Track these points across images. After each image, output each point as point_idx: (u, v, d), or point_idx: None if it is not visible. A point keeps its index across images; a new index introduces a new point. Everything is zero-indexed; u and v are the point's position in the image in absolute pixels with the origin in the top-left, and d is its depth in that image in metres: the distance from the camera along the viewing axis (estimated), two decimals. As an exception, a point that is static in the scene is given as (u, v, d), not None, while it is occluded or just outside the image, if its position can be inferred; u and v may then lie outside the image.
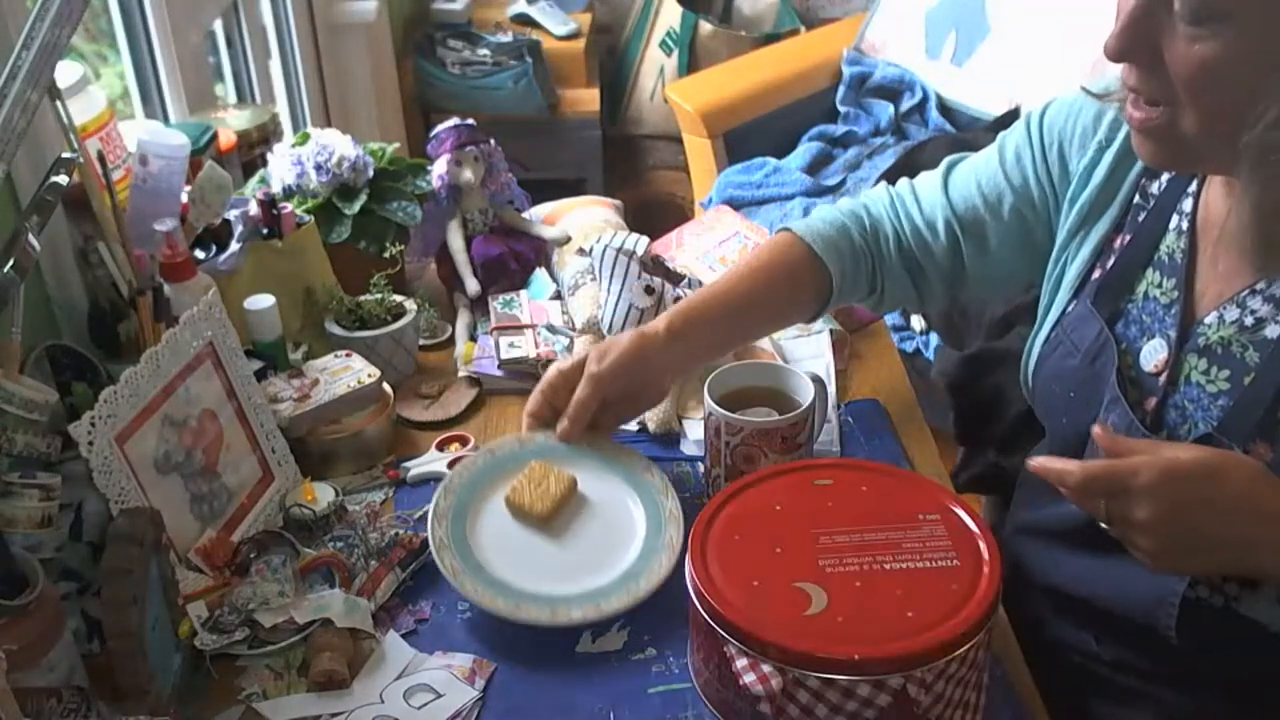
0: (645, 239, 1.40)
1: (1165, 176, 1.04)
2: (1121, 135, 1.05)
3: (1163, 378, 0.98)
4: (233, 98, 2.28)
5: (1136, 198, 1.06)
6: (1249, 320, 0.93)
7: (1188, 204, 1.01)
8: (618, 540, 1.08)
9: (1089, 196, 1.08)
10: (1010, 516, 1.20)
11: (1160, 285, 1.01)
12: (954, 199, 1.18)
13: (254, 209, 1.34)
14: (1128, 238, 1.05)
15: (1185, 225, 1.00)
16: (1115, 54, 0.87)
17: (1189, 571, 0.91)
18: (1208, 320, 0.96)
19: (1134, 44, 0.86)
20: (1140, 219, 1.04)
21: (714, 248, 1.60)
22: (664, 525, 1.08)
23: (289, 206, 1.36)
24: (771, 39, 3.34)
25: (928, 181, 1.22)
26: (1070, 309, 1.09)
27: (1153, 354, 1.00)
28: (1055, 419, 1.09)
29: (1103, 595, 1.03)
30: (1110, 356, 1.01)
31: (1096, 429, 0.88)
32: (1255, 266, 0.93)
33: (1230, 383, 0.93)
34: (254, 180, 1.51)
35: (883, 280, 1.21)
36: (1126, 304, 1.03)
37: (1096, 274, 1.07)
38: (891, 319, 2.34)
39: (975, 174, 1.17)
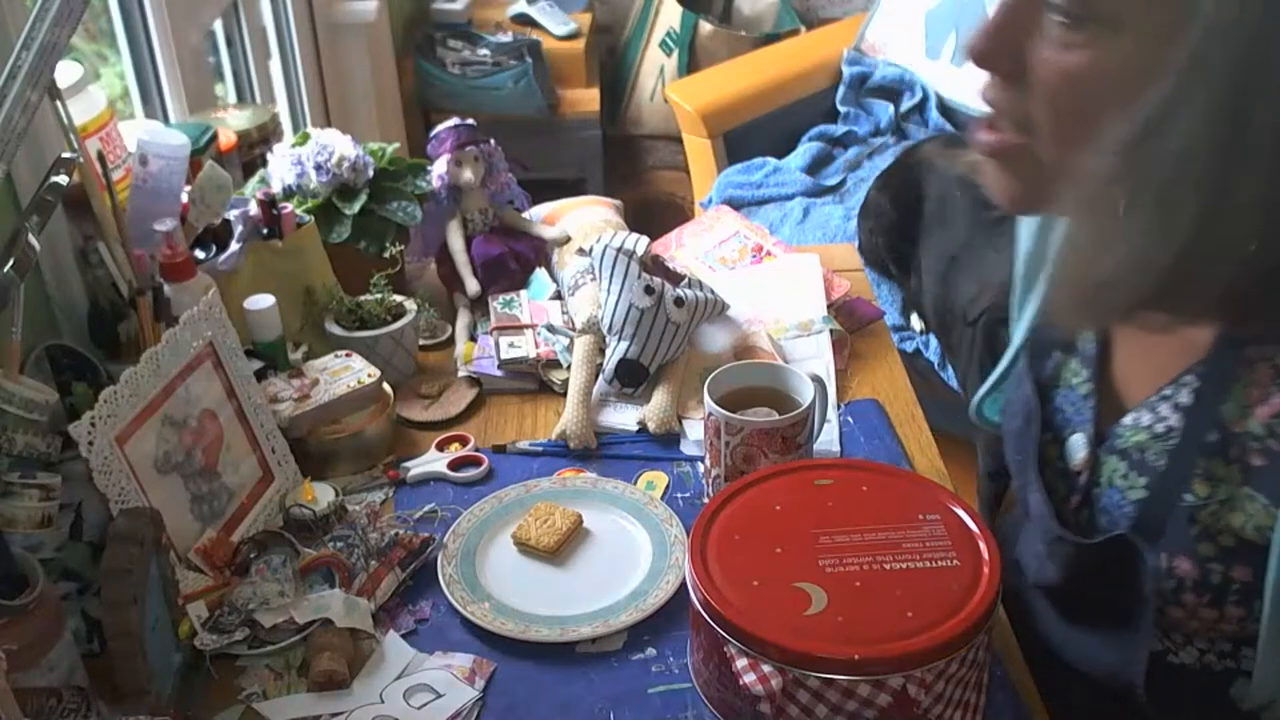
0: (645, 239, 1.40)
1: None
2: None
3: (1083, 477, 0.93)
4: (233, 98, 2.28)
5: None
6: (1160, 427, 0.87)
7: None
8: (624, 567, 1.08)
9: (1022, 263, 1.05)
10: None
11: (1078, 374, 0.97)
12: None
13: (254, 209, 1.34)
14: None
15: None
16: (978, 55, 0.78)
17: None
18: (1126, 421, 0.90)
19: (1000, 45, 0.77)
20: None
21: (714, 248, 1.60)
22: (669, 549, 1.09)
23: (289, 206, 1.36)
24: (771, 39, 3.34)
25: None
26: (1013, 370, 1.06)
27: (1075, 450, 0.94)
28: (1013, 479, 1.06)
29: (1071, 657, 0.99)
30: (1034, 428, 0.96)
31: None
32: (1054, 314, 0.86)
33: (1147, 490, 0.87)
34: (254, 180, 1.51)
35: None
36: (1054, 389, 0.99)
37: None
38: (891, 319, 2.34)
39: None
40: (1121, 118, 0.72)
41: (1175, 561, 0.84)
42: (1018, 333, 1.06)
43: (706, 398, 1.12)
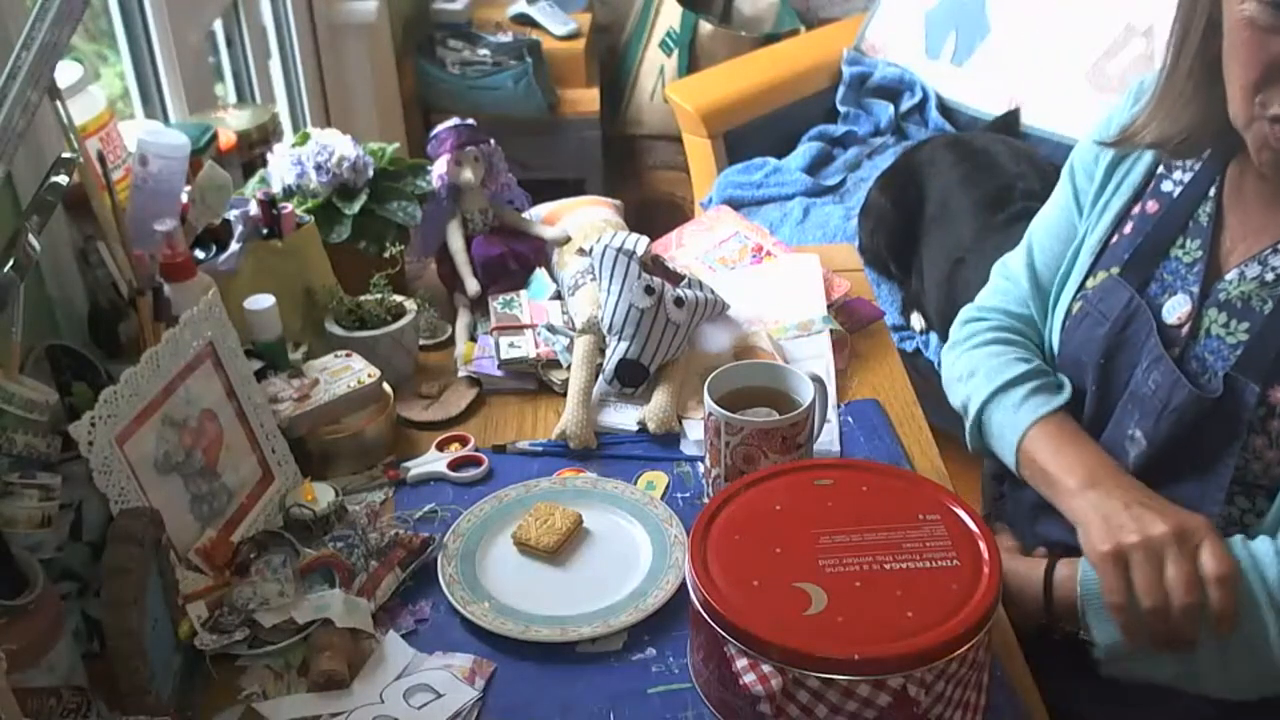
0: (645, 239, 1.40)
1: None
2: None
3: (1184, 330, 1.04)
4: (233, 98, 2.28)
5: (1160, 168, 1.11)
6: (1269, 276, 1.00)
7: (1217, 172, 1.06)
8: (624, 567, 1.08)
9: (1103, 171, 1.14)
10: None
11: (1184, 247, 1.07)
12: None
13: (254, 209, 1.34)
14: (1155, 205, 1.10)
15: (1213, 191, 1.06)
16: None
17: None
18: (1229, 277, 1.02)
19: None
20: (1171, 190, 1.09)
21: (714, 248, 1.60)
22: (669, 549, 1.09)
23: (289, 206, 1.36)
24: (771, 39, 3.34)
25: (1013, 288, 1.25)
26: (1090, 279, 1.13)
27: (1175, 309, 1.05)
28: (1086, 386, 1.12)
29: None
30: (1144, 322, 1.05)
31: None
32: None
33: (1249, 333, 1.00)
34: (254, 180, 1.51)
35: None
36: (1153, 273, 1.08)
37: (1115, 239, 1.12)
38: (891, 319, 2.34)
39: (1046, 246, 1.23)
40: None
41: (1270, 391, 0.96)
42: (1086, 248, 1.15)
43: (706, 398, 1.12)
